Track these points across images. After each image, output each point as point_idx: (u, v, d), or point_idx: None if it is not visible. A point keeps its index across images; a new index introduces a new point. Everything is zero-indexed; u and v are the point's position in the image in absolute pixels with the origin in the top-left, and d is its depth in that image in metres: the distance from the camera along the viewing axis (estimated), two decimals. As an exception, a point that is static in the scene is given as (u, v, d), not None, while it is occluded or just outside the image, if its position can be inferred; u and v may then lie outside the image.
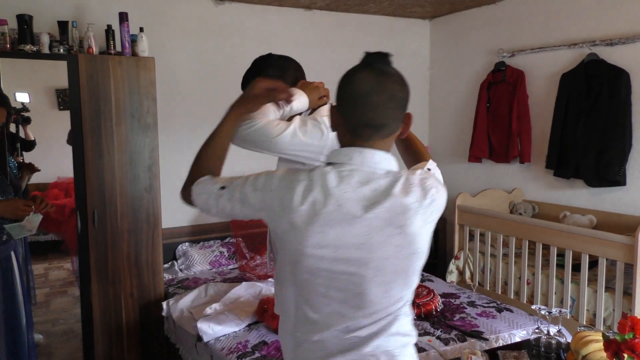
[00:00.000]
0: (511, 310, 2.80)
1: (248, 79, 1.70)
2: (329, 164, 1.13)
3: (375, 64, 1.10)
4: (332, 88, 1.67)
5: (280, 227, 1.11)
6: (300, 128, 1.46)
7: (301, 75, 1.73)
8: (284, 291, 1.21)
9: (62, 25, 2.94)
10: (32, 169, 3.11)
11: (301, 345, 1.16)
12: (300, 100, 1.55)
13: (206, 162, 1.25)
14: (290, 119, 1.54)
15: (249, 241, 3.79)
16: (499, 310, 2.79)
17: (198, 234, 3.84)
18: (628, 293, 2.71)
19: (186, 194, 1.23)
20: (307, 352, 1.15)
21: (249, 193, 1.13)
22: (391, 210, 1.06)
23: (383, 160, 1.11)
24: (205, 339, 2.56)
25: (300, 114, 1.61)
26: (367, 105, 1.08)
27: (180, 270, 3.60)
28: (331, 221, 1.05)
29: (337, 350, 1.12)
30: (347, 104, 1.12)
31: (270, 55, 1.71)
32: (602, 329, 2.70)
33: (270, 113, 1.46)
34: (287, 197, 1.08)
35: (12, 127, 3.23)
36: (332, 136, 1.46)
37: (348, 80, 1.12)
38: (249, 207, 1.14)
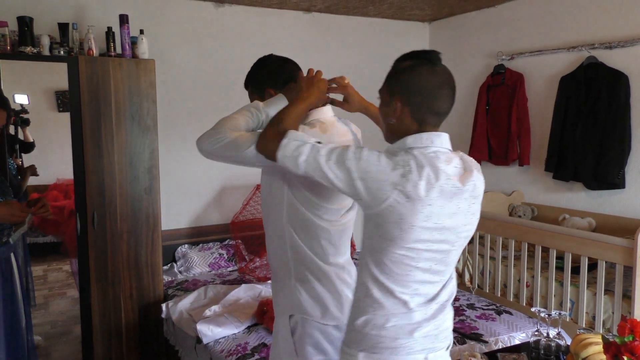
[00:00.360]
0: (510, 313, 2.80)
1: (249, 80, 1.70)
2: (410, 148, 1.24)
3: (436, 61, 1.26)
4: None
5: (383, 203, 1.18)
6: None
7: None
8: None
9: (63, 27, 2.94)
10: (33, 171, 3.11)
11: (386, 324, 1.23)
12: (273, 106, 1.53)
13: (291, 121, 1.32)
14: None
15: (248, 243, 3.79)
16: (499, 313, 2.79)
17: (197, 236, 3.84)
18: (627, 296, 2.72)
19: (268, 142, 1.28)
20: (397, 329, 1.23)
21: (351, 160, 1.19)
22: (473, 183, 1.26)
23: (449, 142, 1.29)
24: (205, 341, 2.56)
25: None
26: (438, 96, 1.25)
27: (180, 272, 3.60)
28: (441, 193, 1.19)
29: (423, 318, 1.24)
30: (418, 96, 1.25)
31: (269, 57, 1.70)
32: (601, 332, 2.70)
33: (241, 124, 1.45)
34: (401, 173, 1.17)
35: (11, 129, 3.23)
36: None
37: (417, 75, 1.25)
38: (346, 172, 1.19)
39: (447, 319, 1.30)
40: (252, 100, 1.66)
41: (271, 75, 1.62)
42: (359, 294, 1.30)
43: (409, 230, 1.18)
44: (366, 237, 1.27)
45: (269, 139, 1.29)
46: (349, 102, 1.65)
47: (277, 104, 1.53)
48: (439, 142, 1.26)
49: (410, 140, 1.25)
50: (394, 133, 1.30)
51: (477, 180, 1.27)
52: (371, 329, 1.24)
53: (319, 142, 1.24)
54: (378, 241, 1.22)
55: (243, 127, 1.46)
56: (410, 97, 1.25)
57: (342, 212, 1.58)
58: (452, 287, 1.31)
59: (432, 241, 1.21)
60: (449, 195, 1.20)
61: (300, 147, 1.22)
